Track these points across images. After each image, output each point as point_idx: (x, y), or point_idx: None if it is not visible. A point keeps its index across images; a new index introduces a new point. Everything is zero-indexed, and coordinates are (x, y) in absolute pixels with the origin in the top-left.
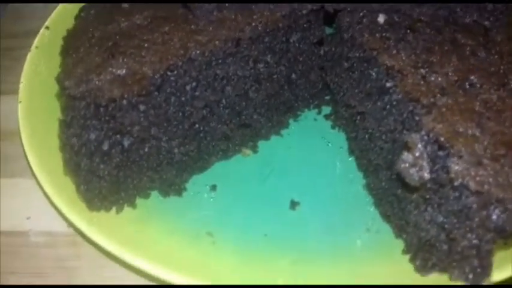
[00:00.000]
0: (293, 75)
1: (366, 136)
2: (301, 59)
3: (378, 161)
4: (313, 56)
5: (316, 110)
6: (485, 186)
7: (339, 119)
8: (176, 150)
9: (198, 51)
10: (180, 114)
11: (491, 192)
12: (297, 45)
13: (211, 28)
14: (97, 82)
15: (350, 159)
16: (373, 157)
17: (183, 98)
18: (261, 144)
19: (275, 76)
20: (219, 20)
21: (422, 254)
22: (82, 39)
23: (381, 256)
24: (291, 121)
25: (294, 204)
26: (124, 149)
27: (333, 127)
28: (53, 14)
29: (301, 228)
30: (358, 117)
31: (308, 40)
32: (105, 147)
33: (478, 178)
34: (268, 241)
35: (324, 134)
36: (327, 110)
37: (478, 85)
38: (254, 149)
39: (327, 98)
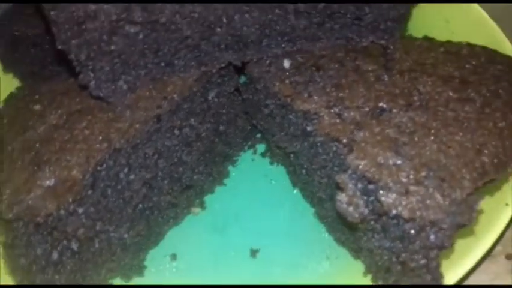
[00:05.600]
0: (221, 127)
1: (303, 171)
2: (224, 111)
3: (320, 194)
4: (235, 104)
5: (251, 150)
6: (417, 213)
7: (274, 155)
8: (126, 236)
9: (122, 140)
10: (121, 201)
11: (424, 216)
12: (216, 100)
13: (128, 112)
14: (29, 202)
15: (295, 191)
16: (315, 190)
17: (119, 186)
18: (208, 198)
19: (203, 134)
20: (134, 101)
21: (381, 274)
22: (2, 155)
23: (345, 281)
24: (230, 168)
25: (254, 252)
26: (74, 252)
27: (271, 163)
28: None
29: (266, 274)
30: (292, 155)
31: (225, 92)
32: (55, 256)
33: (409, 206)
34: None
35: (265, 172)
36: (261, 147)
37: (388, 110)
38: (202, 206)
39: (259, 136)
